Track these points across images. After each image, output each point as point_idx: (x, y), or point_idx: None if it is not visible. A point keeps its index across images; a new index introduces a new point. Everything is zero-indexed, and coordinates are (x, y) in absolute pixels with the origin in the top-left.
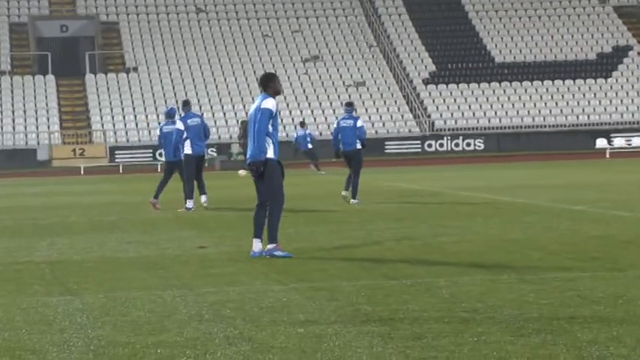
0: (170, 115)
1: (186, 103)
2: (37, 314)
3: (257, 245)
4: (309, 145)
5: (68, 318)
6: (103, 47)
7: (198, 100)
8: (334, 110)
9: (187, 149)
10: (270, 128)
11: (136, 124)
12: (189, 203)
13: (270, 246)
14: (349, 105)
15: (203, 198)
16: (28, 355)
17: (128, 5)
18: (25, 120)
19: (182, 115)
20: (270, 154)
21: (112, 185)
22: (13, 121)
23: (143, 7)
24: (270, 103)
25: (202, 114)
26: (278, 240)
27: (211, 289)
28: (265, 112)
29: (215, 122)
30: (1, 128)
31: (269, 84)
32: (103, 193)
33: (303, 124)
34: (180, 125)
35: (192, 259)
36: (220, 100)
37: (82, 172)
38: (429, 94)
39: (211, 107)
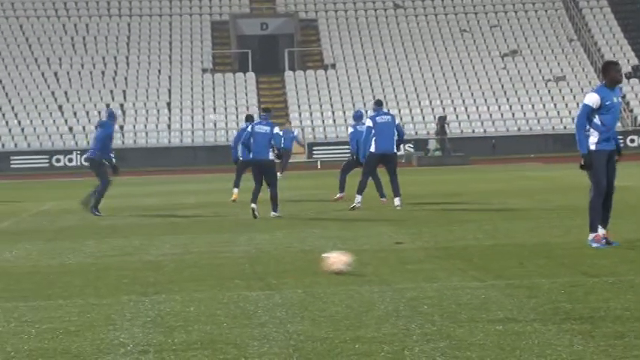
0: (358, 117)
1: (379, 103)
2: (238, 308)
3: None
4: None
5: (268, 312)
6: (302, 44)
7: (396, 97)
8: (533, 106)
9: (372, 147)
10: (596, 120)
11: (334, 121)
12: (357, 198)
13: (590, 236)
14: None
15: (397, 201)
16: (229, 349)
17: (327, 2)
18: (226, 117)
19: (372, 114)
20: (593, 145)
21: (311, 181)
22: (215, 117)
23: (341, 3)
24: (588, 99)
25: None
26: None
27: (409, 285)
28: (583, 108)
29: (412, 118)
30: (203, 125)
31: (605, 73)
32: (301, 189)
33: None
34: (369, 122)
35: (389, 255)
36: (417, 96)
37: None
38: (632, 88)
39: (408, 103)
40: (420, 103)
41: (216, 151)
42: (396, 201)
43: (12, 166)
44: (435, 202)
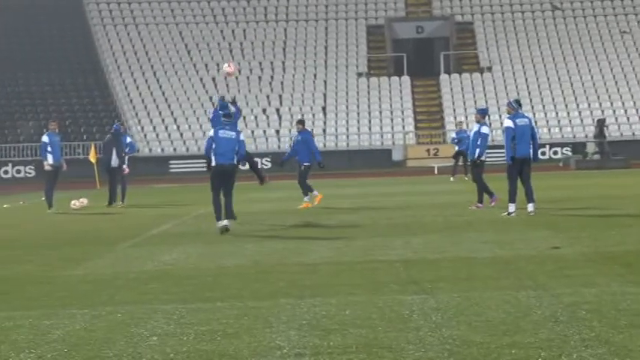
0: (482, 112)
1: (518, 102)
2: (393, 312)
3: None
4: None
5: (423, 317)
6: (458, 47)
7: (553, 99)
8: None
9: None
10: None
11: (490, 124)
12: (511, 207)
13: None
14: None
15: (530, 207)
16: (384, 352)
17: (483, 5)
18: (381, 121)
19: (511, 115)
20: None
21: (466, 185)
22: (370, 122)
23: (498, 6)
24: None
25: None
26: None
27: (566, 290)
28: None
29: (570, 121)
30: (358, 129)
31: None
32: (457, 193)
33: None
34: (509, 123)
35: (546, 260)
36: (576, 98)
37: (436, 172)
38: None
39: (566, 106)
40: (578, 105)
41: (371, 155)
42: (530, 207)
43: (171, 170)
44: (593, 207)
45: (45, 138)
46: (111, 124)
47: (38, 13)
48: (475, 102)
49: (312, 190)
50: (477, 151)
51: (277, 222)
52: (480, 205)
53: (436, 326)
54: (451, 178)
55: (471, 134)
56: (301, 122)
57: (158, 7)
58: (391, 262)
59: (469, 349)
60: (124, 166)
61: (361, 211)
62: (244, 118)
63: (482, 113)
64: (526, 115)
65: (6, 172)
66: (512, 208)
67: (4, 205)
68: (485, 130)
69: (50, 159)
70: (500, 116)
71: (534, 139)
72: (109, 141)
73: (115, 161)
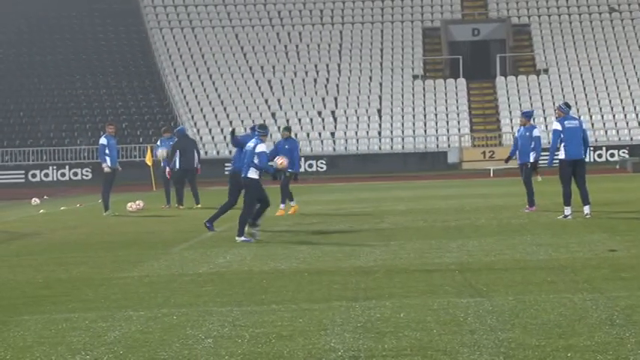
0: (528, 115)
1: (567, 105)
2: (448, 315)
3: None
4: None
5: (478, 319)
6: (514, 49)
7: (610, 102)
8: None
9: (561, 154)
10: None
11: (546, 127)
12: (567, 210)
13: None
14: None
15: (586, 209)
16: (439, 355)
17: (540, 7)
18: (437, 123)
19: (560, 118)
20: None
21: (522, 187)
22: (425, 124)
23: (555, 8)
24: None
25: (580, 117)
26: None
27: (623, 294)
28: None
29: (627, 124)
30: (414, 132)
31: None
32: (512, 196)
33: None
34: (557, 126)
35: (602, 263)
36: (633, 100)
37: (492, 175)
38: None
39: (623, 108)
40: (635, 108)
41: (427, 157)
42: (586, 209)
43: (226, 172)
44: None
45: (103, 140)
46: (165, 125)
47: (95, 16)
48: (531, 104)
49: (292, 199)
50: (533, 155)
51: (329, 225)
52: (530, 208)
53: (491, 329)
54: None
55: (519, 137)
56: (288, 129)
57: (214, 10)
58: (446, 264)
59: (524, 352)
60: (198, 166)
61: (416, 213)
62: (299, 120)
63: (528, 116)
64: (576, 117)
65: (63, 174)
66: (567, 210)
67: (62, 208)
68: (537, 132)
69: (108, 161)
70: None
71: (585, 142)
72: (179, 143)
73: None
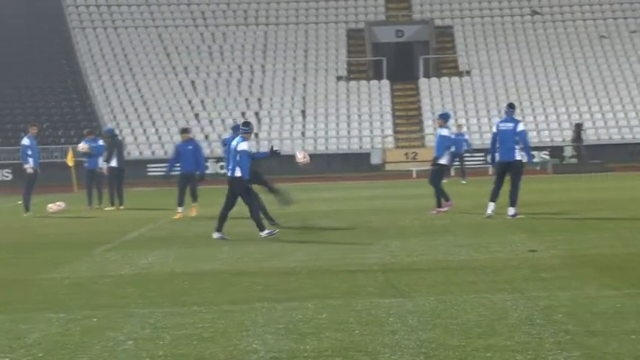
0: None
1: (512, 106)
2: (370, 316)
3: None
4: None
5: (400, 320)
6: (437, 51)
7: (531, 103)
8: None
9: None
10: None
11: (468, 128)
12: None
13: None
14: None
15: (510, 210)
16: (360, 356)
17: (463, 9)
18: (360, 124)
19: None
20: None
21: (449, 188)
22: (349, 125)
23: (478, 10)
24: None
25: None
26: None
27: (542, 294)
28: None
29: (548, 125)
30: (337, 133)
31: None
32: (434, 197)
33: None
34: (494, 128)
35: (522, 263)
36: (554, 102)
37: (414, 176)
38: None
39: (544, 110)
40: (556, 109)
41: (350, 158)
42: (510, 211)
43: (149, 173)
44: (569, 211)
45: (26, 141)
46: (89, 127)
47: (17, 16)
48: (454, 106)
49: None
50: (438, 154)
51: (251, 227)
52: (440, 209)
53: (412, 329)
54: (462, 181)
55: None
56: (187, 131)
57: (138, 10)
58: (369, 265)
59: (445, 352)
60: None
61: (339, 214)
62: (222, 121)
63: (445, 118)
64: (515, 119)
65: None
66: (489, 208)
67: None
68: (444, 132)
69: (31, 162)
70: (478, 120)
71: (524, 144)
72: (114, 142)
73: (114, 162)
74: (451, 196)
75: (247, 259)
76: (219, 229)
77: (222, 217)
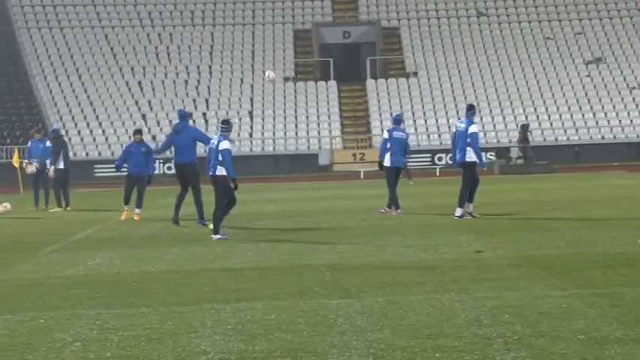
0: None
1: (470, 108)
2: (318, 316)
3: None
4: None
5: (348, 321)
6: (384, 52)
7: (478, 104)
8: (617, 113)
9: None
10: None
11: (416, 129)
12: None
13: None
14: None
15: (458, 211)
16: (309, 357)
17: (409, 10)
18: (308, 125)
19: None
20: None
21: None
22: (296, 126)
23: (424, 11)
24: None
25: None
26: None
27: (489, 294)
28: None
29: (494, 126)
30: (285, 133)
31: None
32: (383, 198)
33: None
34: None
35: (469, 264)
36: (500, 103)
37: (362, 177)
38: None
39: (490, 111)
40: (502, 111)
41: (298, 159)
42: (457, 212)
43: (95, 174)
44: (516, 211)
45: None
46: (36, 127)
47: None
48: (401, 107)
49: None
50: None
51: (199, 227)
52: (389, 210)
53: (361, 330)
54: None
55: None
56: (140, 132)
57: (83, 11)
58: (317, 266)
59: (393, 352)
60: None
61: (287, 215)
62: (170, 122)
63: (397, 121)
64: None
65: None
66: (459, 211)
67: None
68: (385, 135)
69: None
70: (426, 121)
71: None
72: (60, 143)
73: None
74: (399, 197)
75: (196, 260)
76: (216, 232)
77: (218, 218)
